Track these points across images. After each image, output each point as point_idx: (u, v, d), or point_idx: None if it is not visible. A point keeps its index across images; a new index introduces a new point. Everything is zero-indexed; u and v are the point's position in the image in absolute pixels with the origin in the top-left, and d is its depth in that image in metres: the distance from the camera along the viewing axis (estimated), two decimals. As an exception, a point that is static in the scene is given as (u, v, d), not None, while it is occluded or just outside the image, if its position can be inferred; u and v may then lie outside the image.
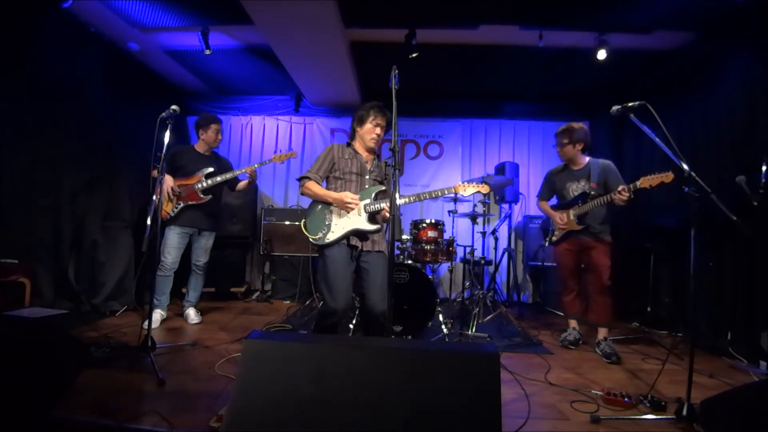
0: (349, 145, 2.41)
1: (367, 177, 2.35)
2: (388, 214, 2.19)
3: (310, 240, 2.24)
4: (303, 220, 2.31)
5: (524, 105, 4.96)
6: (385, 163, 2.39)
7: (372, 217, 2.23)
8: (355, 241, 2.23)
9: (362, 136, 2.36)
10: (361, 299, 2.30)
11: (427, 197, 2.25)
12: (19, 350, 1.37)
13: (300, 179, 2.34)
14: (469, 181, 2.29)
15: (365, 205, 2.23)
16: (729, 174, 2.70)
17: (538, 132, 5.05)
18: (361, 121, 2.36)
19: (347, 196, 2.20)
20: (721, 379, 2.42)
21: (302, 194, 2.33)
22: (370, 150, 2.40)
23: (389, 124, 2.33)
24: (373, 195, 2.26)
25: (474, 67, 4.15)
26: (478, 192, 2.28)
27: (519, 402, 2.00)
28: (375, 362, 1.20)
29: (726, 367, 2.67)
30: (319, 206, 2.29)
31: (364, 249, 2.24)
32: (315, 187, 2.28)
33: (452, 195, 2.36)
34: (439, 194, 2.26)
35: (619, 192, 2.52)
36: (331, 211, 2.25)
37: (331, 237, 2.19)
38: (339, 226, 2.21)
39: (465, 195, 2.30)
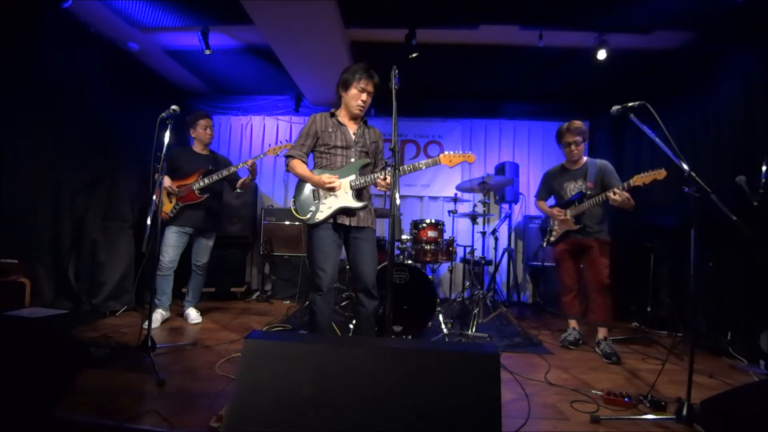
0: (332, 115, 2.30)
1: (353, 150, 2.26)
2: (379, 185, 2.17)
3: (300, 219, 2.25)
4: (292, 200, 2.30)
5: (524, 105, 4.96)
6: (376, 133, 2.38)
7: (358, 194, 2.22)
8: (342, 219, 2.21)
9: (347, 102, 2.24)
10: (354, 275, 2.29)
11: (412, 170, 2.20)
12: (19, 350, 1.37)
13: (286, 156, 2.31)
14: (458, 152, 2.26)
15: (351, 182, 2.21)
16: (729, 174, 2.70)
17: (538, 132, 5.05)
18: (346, 85, 2.23)
19: (326, 178, 2.16)
20: (721, 379, 2.41)
21: (287, 171, 2.33)
22: (354, 117, 2.29)
23: (377, 88, 2.23)
24: (359, 170, 2.23)
25: (474, 67, 4.15)
26: (465, 161, 2.24)
27: (519, 402, 2.00)
28: (375, 362, 1.20)
29: (726, 367, 2.67)
30: (306, 185, 2.27)
31: (353, 225, 2.23)
32: (298, 167, 2.24)
33: (437, 166, 2.27)
34: (423, 166, 2.19)
35: (613, 191, 2.50)
36: (317, 190, 2.23)
37: (320, 216, 2.19)
38: (326, 206, 2.20)
39: (450, 166, 2.25)
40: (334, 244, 2.21)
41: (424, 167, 2.21)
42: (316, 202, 2.22)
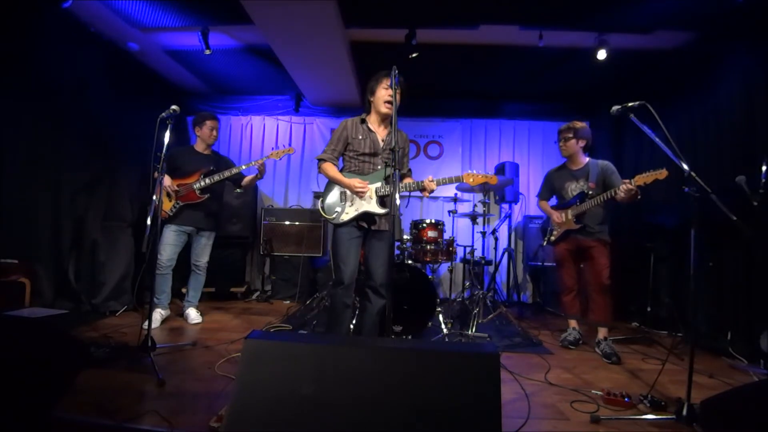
0: (363, 121, 2.42)
1: (380, 157, 2.39)
2: (428, 188, 2.27)
3: (326, 218, 2.38)
4: (320, 200, 2.43)
5: (524, 105, 4.96)
6: (402, 135, 2.47)
7: (382, 201, 2.32)
8: (364, 223, 2.34)
9: (376, 105, 2.36)
10: (366, 272, 2.40)
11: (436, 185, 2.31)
12: (19, 350, 1.37)
13: (318, 159, 2.44)
14: (480, 172, 2.37)
15: (376, 189, 2.32)
16: (729, 174, 2.70)
17: (538, 132, 5.04)
18: (373, 91, 2.38)
19: (357, 182, 2.27)
20: (721, 379, 2.41)
21: (319, 173, 2.45)
22: (385, 118, 2.40)
23: (402, 85, 2.23)
24: (384, 178, 2.33)
25: (474, 67, 4.15)
26: (486, 182, 2.36)
27: (519, 402, 2.00)
28: (375, 362, 1.20)
29: (726, 367, 2.67)
30: (335, 187, 2.40)
31: (372, 228, 2.34)
32: (330, 170, 2.38)
33: (459, 183, 2.40)
34: (447, 182, 2.32)
35: (624, 184, 2.50)
36: (345, 193, 2.36)
37: (345, 217, 2.32)
38: (352, 208, 2.33)
39: (472, 185, 2.37)
40: (356, 240, 2.33)
41: (450, 182, 2.34)
42: (343, 203, 2.35)
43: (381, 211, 2.31)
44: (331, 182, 2.41)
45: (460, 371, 1.17)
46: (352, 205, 2.32)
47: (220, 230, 3.57)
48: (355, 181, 2.29)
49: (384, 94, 2.32)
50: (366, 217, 2.33)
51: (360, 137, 2.37)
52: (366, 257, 2.40)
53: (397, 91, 2.25)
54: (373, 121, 2.42)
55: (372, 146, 2.37)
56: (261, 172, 3.17)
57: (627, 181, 2.49)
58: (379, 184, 2.32)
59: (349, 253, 2.29)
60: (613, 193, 2.60)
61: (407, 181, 2.38)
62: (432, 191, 2.31)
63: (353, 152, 2.39)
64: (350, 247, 2.30)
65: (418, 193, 4.92)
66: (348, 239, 2.30)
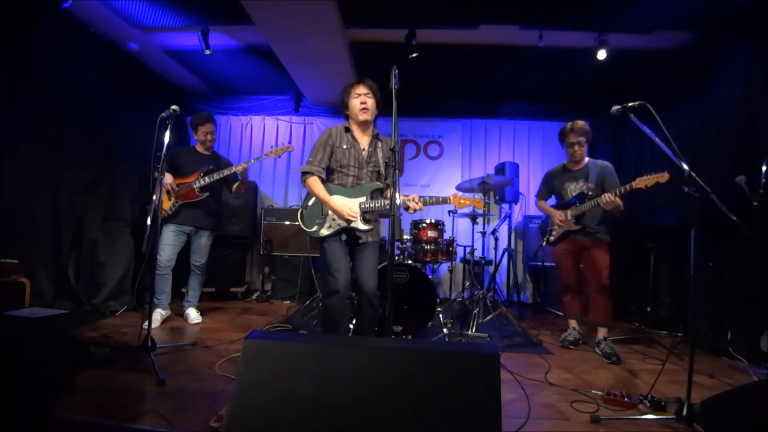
0: (347, 130, 2.34)
1: (365, 170, 2.31)
2: (411, 209, 2.20)
3: (304, 230, 2.31)
4: (300, 210, 2.36)
5: (524, 105, 4.96)
6: (387, 143, 2.38)
7: (365, 217, 2.25)
8: (346, 237, 2.28)
9: (352, 114, 2.30)
10: (355, 282, 2.34)
11: (425, 204, 2.25)
12: (19, 350, 1.37)
13: (302, 173, 2.32)
14: (467, 194, 2.34)
15: (360, 203, 2.24)
16: (729, 174, 2.70)
17: (538, 132, 5.04)
18: (345, 103, 2.32)
19: (346, 213, 2.19)
20: (721, 379, 2.41)
21: (303, 186, 2.35)
22: (365, 125, 2.32)
23: (376, 93, 2.28)
24: (369, 193, 2.27)
25: (474, 67, 4.15)
26: (473, 206, 2.31)
27: (519, 402, 2.00)
28: (375, 362, 1.20)
29: (726, 367, 2.67)
30: (315, 199, 2.32)
31: (360, 242, 2.29)
32: (316, 187, 2.26)
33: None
34: (433, 202, 2.26)
35: (607, 194, 2.55)
36: (325, 207, 2.28)
37: (324, 232, 2.25)
38: (335, 222, 2.25)
39: (459, 207, 2.32)
40: (344, 249, 2.27)
41: (436, 203, 2.28)
42: (323, 216, 2.27)
43: (364, 227, 2.22)
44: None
45: (460, 371, 1.17)
46: (334, 218, 2.25)
47: (220, 230, 3.57)
48: (345, 212, 2.19)
49: (356, 104, 2.26)
50: (347, 231, 2.25)
51: (344, 147, 2.29)
52: (354, 268, 2.32)
53: (369, 96, 2.26)
54: (355, 130, 2.34)
55: (356, 158, 2.29)
56: (243, 176, 3.16)
57: (614, 192, 2.53)
58: (363, 199, 2.25)
59: (340, 261, 2.21)
60: (599, 202, 2.63)
61: (388, 193, 2.27)
62: (416, 211, 2.23)
63: (337, 163, 2.30)
64: (340, 256, 2.23)
65: (418, 192, 4.96)
66: (337, 248, 2.24)
